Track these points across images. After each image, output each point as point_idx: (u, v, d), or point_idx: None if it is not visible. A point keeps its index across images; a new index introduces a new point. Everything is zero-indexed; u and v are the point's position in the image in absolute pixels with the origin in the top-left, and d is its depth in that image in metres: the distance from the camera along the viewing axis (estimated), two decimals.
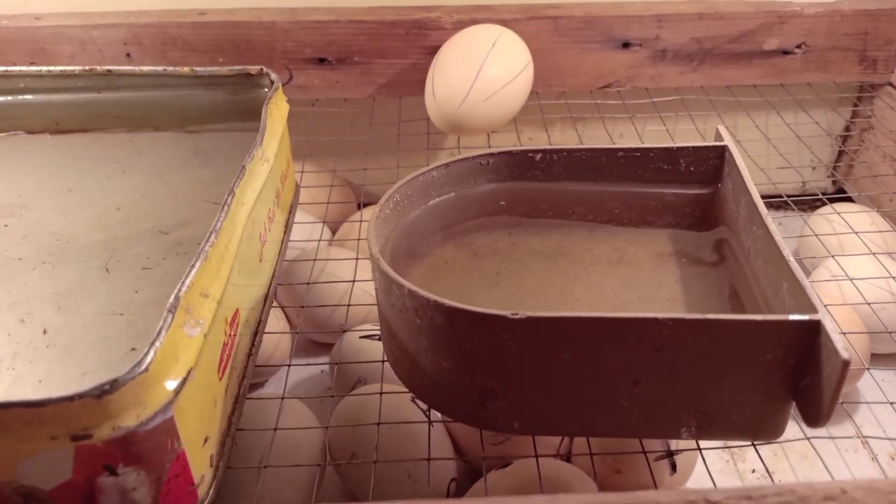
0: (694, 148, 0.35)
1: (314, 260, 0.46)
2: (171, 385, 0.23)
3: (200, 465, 0.25)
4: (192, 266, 0.26)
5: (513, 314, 0.25)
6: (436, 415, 0.39)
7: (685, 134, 0.57)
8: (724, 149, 0.35)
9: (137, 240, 0.36)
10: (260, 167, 0.35)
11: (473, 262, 0.35)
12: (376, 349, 0.43)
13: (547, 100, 0.56)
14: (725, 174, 0.35)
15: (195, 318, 0.25)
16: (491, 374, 0.26)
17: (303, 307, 0.45)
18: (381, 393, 0.35)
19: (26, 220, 0.37)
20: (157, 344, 0.23)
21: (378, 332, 0.44)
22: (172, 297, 0.24)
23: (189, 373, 0.24)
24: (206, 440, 0.26)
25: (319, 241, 0.51)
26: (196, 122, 0.44)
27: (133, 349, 0.30)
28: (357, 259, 0.46)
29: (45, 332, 0.31)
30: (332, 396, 0.39)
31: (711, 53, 0.55)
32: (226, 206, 0.30)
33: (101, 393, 0.21)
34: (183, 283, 0.25)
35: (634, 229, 0.36)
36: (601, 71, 0.55)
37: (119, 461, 0.22)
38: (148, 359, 0.22)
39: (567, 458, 0.38)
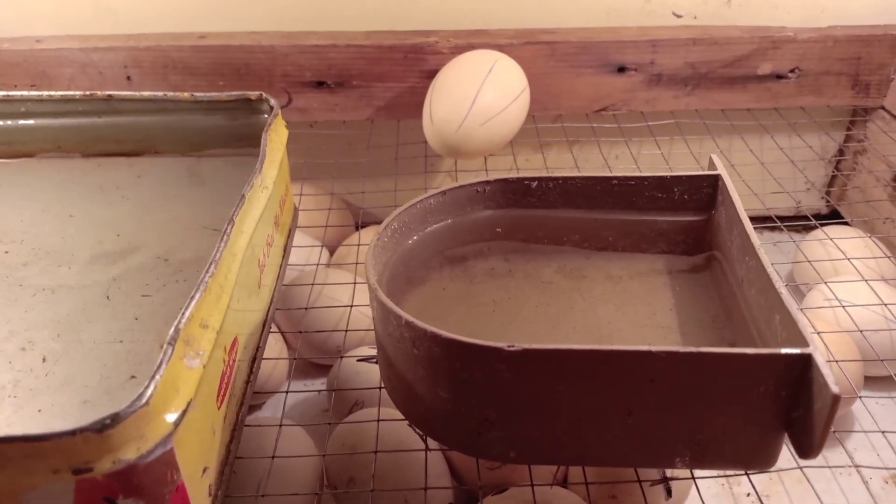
0: (688, 177, 0.35)
1: (312, 284, 0.47)
2: (171, 417, 0.23)
3: (199, 496, 0.26)
4: (192, 297, 0.26)
5: (508, 346, 0.25)
6: (433, 441, 0.39)
7: (680, 157, 0.58)
8: (717, 178, 0.35)
9: (137, 266, 0.36)
10: (259, 194, 0.35)
11: (470, 289, 0.36)
12: (374, 372, 0.43)
13: (543, 123, 0.57)
14: (719, 202, 0.35)
15: (195, 350, 0.25)
16: (487, 403, 0.27)
17: (301, 332, 0.45)
18: (378, 420, 0.35)
19: (28, 246, 0.37)
20: (158, 377, 0.23)
21: (375, 356, 0.44)
22: (172, 329, 0.25)
23: (189, 404, 0.24)
24: (204, 470, 0.26)
25: (318, 265, 0.51)
26: (196, 146, 0.45)
27: (133, 377, 0.30)
28: (355, 284, 0.47)
29: (44, 359, 0.31)
30: (328, 423, 0.39)
31: (706, 78, 0.56)
32: (225, 236, 0.30)
33: (103, 427, 0.21)
34: (183, 314, 0.25)
35: (629, 255, 0.36)
36: (597, 94, 0.56)
37: (119, 493, 0.22)
38: (148, 392, 0.22)
39: (563, 484, 0.38)
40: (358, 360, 0.44)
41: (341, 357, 0.43)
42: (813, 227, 0.52)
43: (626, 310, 0.34)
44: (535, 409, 0.26)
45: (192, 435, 0.25)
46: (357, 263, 0.50)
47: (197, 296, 0.26)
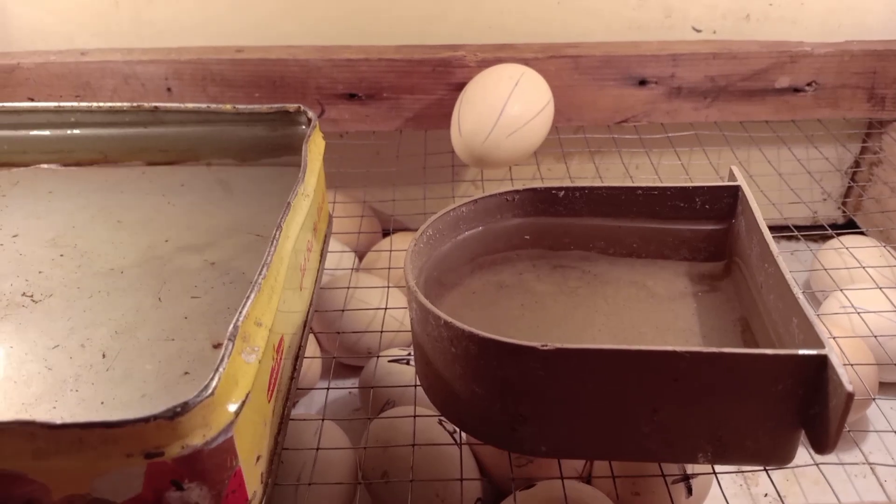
0: (709, 187, 0.37)
1: (348, 288, 0.49)
2: (232, 407, 0.25)
3: (253, 482, 0.28)
4: (248, 297, 0.28)
5: (542, 346, 0.27)
6: (462, 437, 0.41)
7: (699, 168, 0.59)
8: (737, 188, 0.37)
9: (186, 270, 0.38)
10: (302, 202, 0.37)
11: (499, 293, 0.37)
12: (404, 373, 0.45)
13: (566, 134, 0.59)
14: (739, 212, 0.37)
15: (251, 346, 0.27)
16: (521, 400, 0.29)
17: (338, 333, 0.47)
18: (414, 416, 0.37)
19: (80, 251, 0.40)
20: (221, 370, 0.25)
21: (406, 357, 0.46)
22: (231, 326, 0.27)
23: (247, 396, 0.26)
24: (258, 458, 0.28)
25: (352, 269, 0.53)
26: (236, 156, 0.47)
27: (187, 373, 0.32)
28: (388, 287, 0.49)
29: (104, 356, 0.33)
30: (369, 419, 0.41)
31: (725, 91, 0.57)
32: (274, 241, 0.32)
33: (174, 415, 0.23)
34: (240, 313, 0.27)
35: (653, 262, 0.38)
36: (618, 107, 0.57)
37: (185, 477, 0.24)
38: (214, 383, 0.24)
39: (588, 480, 0.40)
40: (389, 361, 0.46)
41: (379, 357, 0.45)
42: (829, 237, 0.54)
43: (649, 314, 0.35)
44: (566, 405, 0.28)
45: (247, 425, 0.27)
46: (390, 268, 0.52)
47: (252, 296, 0.28)
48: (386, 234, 0.61)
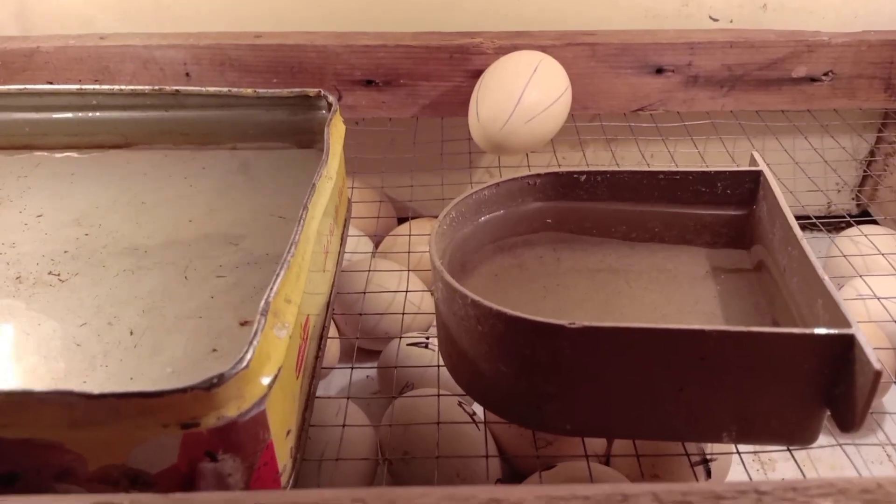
0: (731, 172, 0.37)
1: (368, 271, 0.49)
2: (265, 380, 0.26)
3: (283, 456, 0.28)
4: (277, 274, 0.29)
5: (570, 324, 0.27)
6: (481, 418, 0.41)
7: (716, 156, 0.60)
8: (759, 173, 0.37)
9: (210, 250, 0.38)
10: (325, 185, 0.37)
11: (521, 275, 0.38)
12: (423, 356, 0.45)
13: (582, 121, 0.59)
14: (760, 197, 0.37)
15: (282, 322, 0.28)
16: (547, 378, 0.29)
17: (360, 314, 0.48)
18: (438, 395, 0.38)
19: (105, 230, 0.40)
20: (255, 343, 0.25)
21: (425, 341, 0.46)
22: (263, 301, 0.27)
23: (279, 370, 0.26)
24: (287, 433, 0.28)
25: (372, 253, 0.54)
26: (256, 139, 0.47)
27: (214, 350, 0.32)
28: (409, 271, 0.49)
29: (131, 332, 0.33)
30: (393, 397, 0.41)
31: (742, 80, 0.57)
32: (301, 221, 0.32)
33: (210, 386, 0.23)
34: (271, 289, 0.28)
35: (674, 247, 0.38)
36: (635, 95, 0.57)
37: (219, 448, 0.25)
38: (248, 356, 0.25)
39: (606, 461, 0.40)
40: (408, 345, 0.46)
41: (402, 338, 0.46)
42: (844, 226, 0.54)
43: (671, 297, 0.36)
44: (592, 384, 0.28)
45: (278, 399, 0.27)
46: (410, 252, 0.52)
47: (281, 273, 0.29)
48: (400, 220, 0.61)
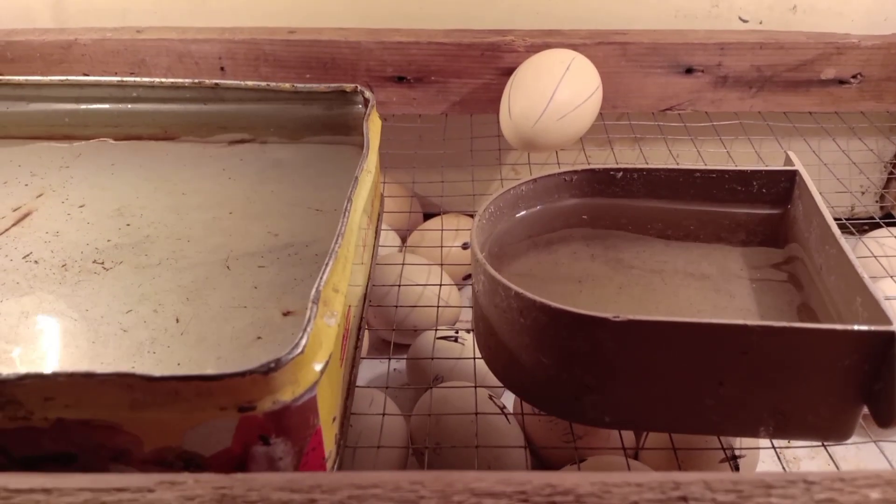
0: (766, 171, 0.37)
1: (402, 264, 0.50)
2: (317, 367, 0.26)
3: (329, 442, 0.29)
4: (326, 265, 0.29)
5: (614, 317, 0.27)
6: (510, 411, 0.42)
7: (743, 156, 0.60)
8: (794, 173, 0.37)
9: (250, 241, 0.39)
10: (366, 178, 0.38)
11: (556, 270, 0.38)
12: (452, 349, 0.46)
13: (611, 120, 0.59)
14: (796, 196, 0.37)
15: (331, 310, 0.28)
16: (587, 370, 0.29)
17: (395, 307, 0.48)
18: (475, 386, 0.38)
19: (147, 221, 0.41)
20: (309, 329, 0.26)
21: (454, 335, 0.47)
22: (314, 290, 0.28)
23: (330, 356, 0.27)
24: (333, 419, 0.29)
25: (400, 248, 0.54)
26: (292, 134, 0.48)
27: (259, 338, 0.33)
28: (441, 265, 0.50)
29: (177, 320, 0.34)
30: (429, 387, 0.42)
31: (770, 81, 0.58)
32: (346, 213, 0.33)
33: (268, 370, 0.24)
34: (321, 279, 0.28)
35: (708, 245, 0.39)
36: (664, 94, 0.58)
37: (272, 432, 0.25)
38: (303, 342, 0.25)
39: (635, 456, 0.41)
40: (438, 338, 0.47)
41: (436, 330, 0.46)
42: (867, 228, 0.54)
43: (706, 294, 0.36)
44: (632, 376, 0.29)
45: (326, 386, 0.28)
46: (442, 247, 0.53)
47: (330, 263, 0.29)
48: (427, 216, 0.62)
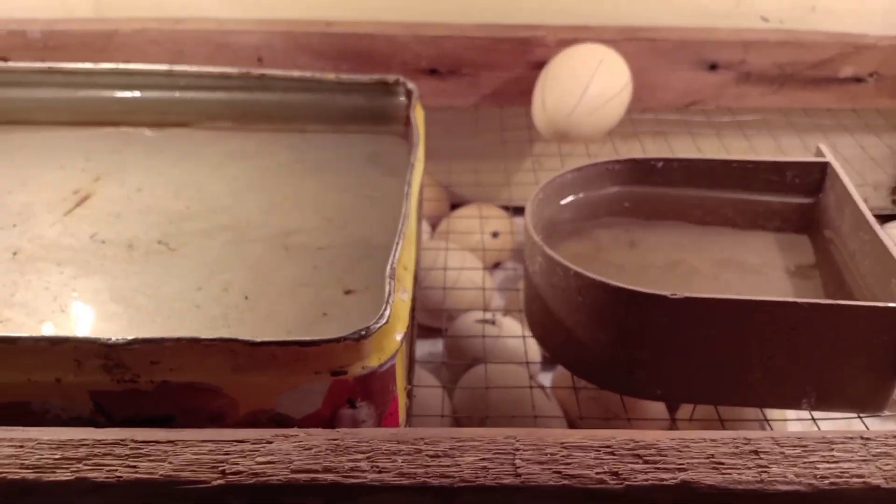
0: (800, 163, 0.39)
1: (446, 249, 0.51)
2: (398, 336, 0.28)
3: (402, 409, 0.30)
4: (397, 244, 0.31)
5: (672, 295, 0.29)
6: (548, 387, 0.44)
7: (766, 151, 0.62)
8: (826, 164, 0.39)
9: (305, 225, 0.41)
10: (418, 166, 0.40)
11: (598, 255, 0.40)
12: (489, 331, 0.48)
13: (637, 114, 0.61)
14: (827, 186, 0.39)
15: (403, 286, 0.30)
16: (642, 346, 0.31)
17: (445, 289, 0.50)
18: (526, 363, 0.40)
19: (204, 204, 0.42)
20: (391, 301, 0.28)
21: (491, 318, 0.49)
22: (388, 267, 0.30)
23: (406, 329, 0.29)
24: (404, 389, 0.31)
25: (430, 235, 0.56)
26: (334, 123, 0.49)
27: (325, 314, 0.35)
28: (484, 251, 0.52)
29: (246, 298, 0.36)
30: (483, 361, 0.44)
31: (792, 78, 0.60)
32: (408, 197, 0.35)
33: (360, 337, 0.26)
34: (393, 257, 0.30)
35: (745, 232, 0.41)
36: (689, 90, 0.60)
37: (359, 396, 0.27)
38: (387, 313, 0.27)
39: (670, 427, 0.43)
40: (476, 321, 0.49)
41: (484, 312, 0.48)
42: (882, 221, 0.56)
43: (744, 276, 0.38)
44: (685, 352, 0.31)
45: (399, 357, 0.30)
46: (483, 233, 0.55)
47: (400, 242, 0.31)
48: (453, 206, 0.64)
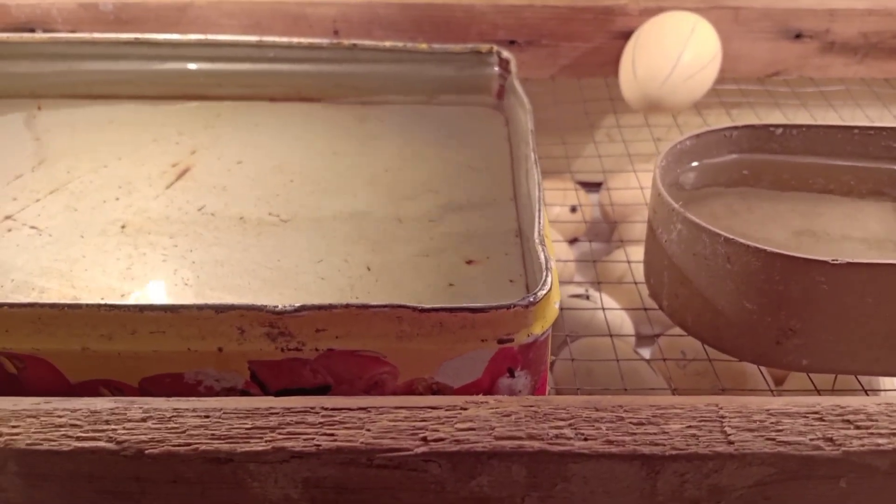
0: None
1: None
2: (556, 305, 0.27)
3: (549, 381, 0.30)
4: (539, 211, 0.30)
5: (833, 260, 0.28)
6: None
7: (856, 121, 0.61)
8: None
9: (413, 196, 0.40)
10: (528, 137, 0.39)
11: (715, 224, 0.39)
12: (584, 306, 0.47)
13: (721, 84, 0.60)
14: None
15: (549, 255, 0.29)
16: (794, 314, 0.30)
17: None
18: (654, 335, 0.39)
19: (308, 177, 0.42)
20: (551, 267, 0.27)
21: (584, 293, 0.48)
22: (536, 234, 0.29)
23: (560, 299, 0.28)
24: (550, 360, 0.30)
25: None
26: (425, 94, 0.49)
27: (451, 284, 0.34)
28: (561, 224, 0.51)
29: (369, 269, 0.35)
30: (610, 336, 0.43)
31: (876, 48, 0.58)
32: (537, 164, 0.34)
33: (528, 304, 0.25)
34: (539, 224, 0.29)
35: (866, 201, 0.40)
36: (772, 59, 0.58)
37: (519, 365, 0.27)
38: (549, 280, 0.26)
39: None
40: (570, 296, 0.48)
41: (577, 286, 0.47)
42: None
43: (870, 244, 0.37)
44: (838, 320, 0.30)
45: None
46: (561, 206, 0.54)
47: (542, 209, 0.30)
48: None
